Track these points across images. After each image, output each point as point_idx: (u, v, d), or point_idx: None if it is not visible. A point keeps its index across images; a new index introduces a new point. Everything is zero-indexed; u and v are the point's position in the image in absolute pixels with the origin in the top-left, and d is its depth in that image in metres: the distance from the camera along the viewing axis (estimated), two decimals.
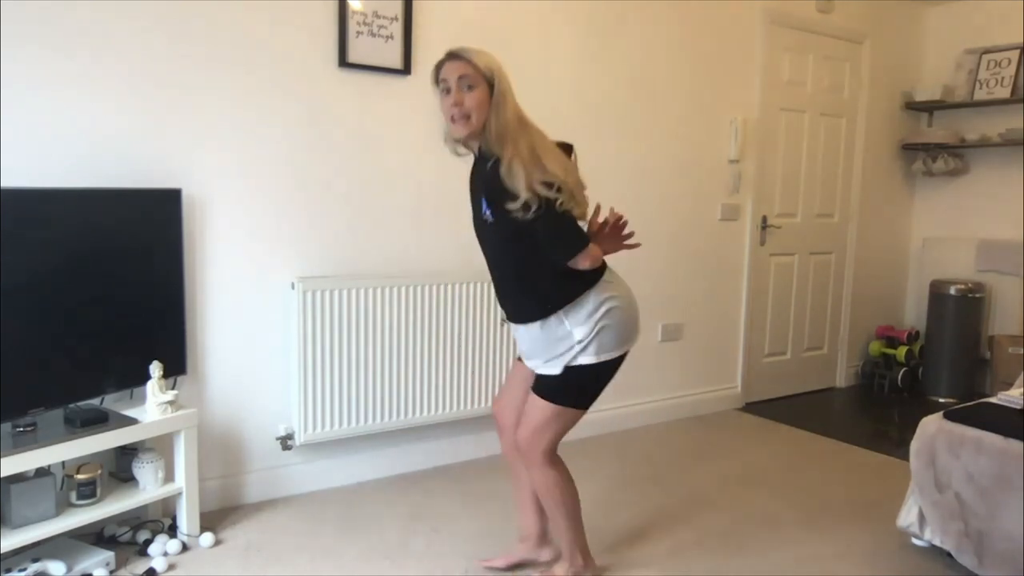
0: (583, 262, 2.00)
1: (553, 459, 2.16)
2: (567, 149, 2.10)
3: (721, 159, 4.10)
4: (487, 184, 1.96)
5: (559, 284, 2.04)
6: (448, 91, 1.98)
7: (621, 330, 2.09)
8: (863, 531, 2.75)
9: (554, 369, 2.08)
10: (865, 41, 4.65)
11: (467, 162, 2.21)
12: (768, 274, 4.41)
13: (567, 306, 2.04)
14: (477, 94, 1.95)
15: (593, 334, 2.04)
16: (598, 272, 2.08)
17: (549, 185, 1.89)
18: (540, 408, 2.10)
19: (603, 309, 2.05)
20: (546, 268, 2.03)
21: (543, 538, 2.40)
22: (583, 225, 2.07)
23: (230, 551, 2.49)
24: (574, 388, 2.10)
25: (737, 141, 4.08)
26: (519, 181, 1.88)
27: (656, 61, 3.77)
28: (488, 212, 2.00)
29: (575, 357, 2.05)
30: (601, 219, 2.20)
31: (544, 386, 2.10)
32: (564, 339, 2.05)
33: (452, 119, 1.98)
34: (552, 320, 2.05)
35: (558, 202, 1.91)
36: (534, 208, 1.89)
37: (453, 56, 1.99)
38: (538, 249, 2.00)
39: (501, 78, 1.98)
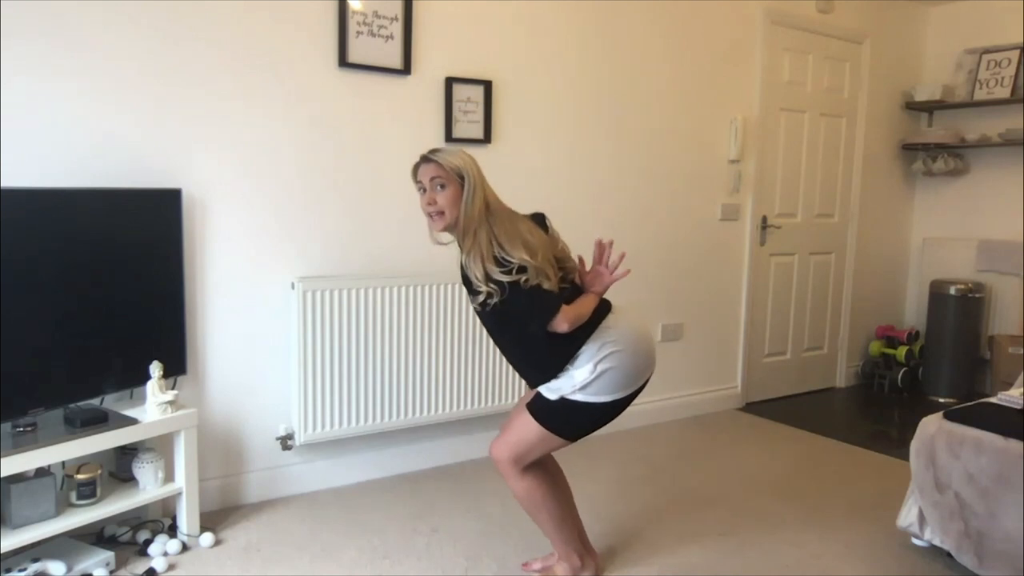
0: (561, 326, 2.04)
1: (525, 468, 2.18)
2: (540, 219, 2.21)
3: (721, 159, 4.10)
4: (463, 276, 2.07)
5: (554, 349, 2.10)
6: (424, 191, 2.11)
7: (624, 372, 2.11)
8: (863, 531, 2.75)
9: (552, 395, 2.12)
10: (865, 41, 4.65)
11: None
12: (768, 274, 4.41)
13: (567, 365, 2.10)
14: (449, 192, 2.07)
15: (594, 377, 2.07)
16: (591, 324, 2.11)
17: (508, 270, 1.98)
18: (528, 425, 2.14)
19: (603, 354, 2.08)
20: (538, 338, 2.08)
21: (588, 550, 2.38)
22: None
23: (230, 551, 2.49)
24: (565, 418, 2.13)
25: (737, 141, 4.08)
26: (478, 272, 1.99)
27: (656, 61, 3.77)
28: (471, 300, 2.09)
29: (572, 392, 2.09)
30: (589, 267, 2.27)
31: (539, 407, 2.14)
32: (566, 380, 2.10)
33: (429, 216, 2.11)
34: (563, 375, 2.11)
35: (522, 280, 1.99)
36: (497, 295, 1.98)
37: (426, 159, 2.11)
38: (515, 327, 2.11)
39: (470, 175, 2.08)
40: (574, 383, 2.08)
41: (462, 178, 2.07)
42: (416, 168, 2.14)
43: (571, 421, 2.14)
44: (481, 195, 2.08)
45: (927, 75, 5.02)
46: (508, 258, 1.98)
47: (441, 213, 2.08)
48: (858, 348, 5.00)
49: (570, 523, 2.29)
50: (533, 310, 2.04)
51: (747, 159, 4.18)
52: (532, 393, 2.23)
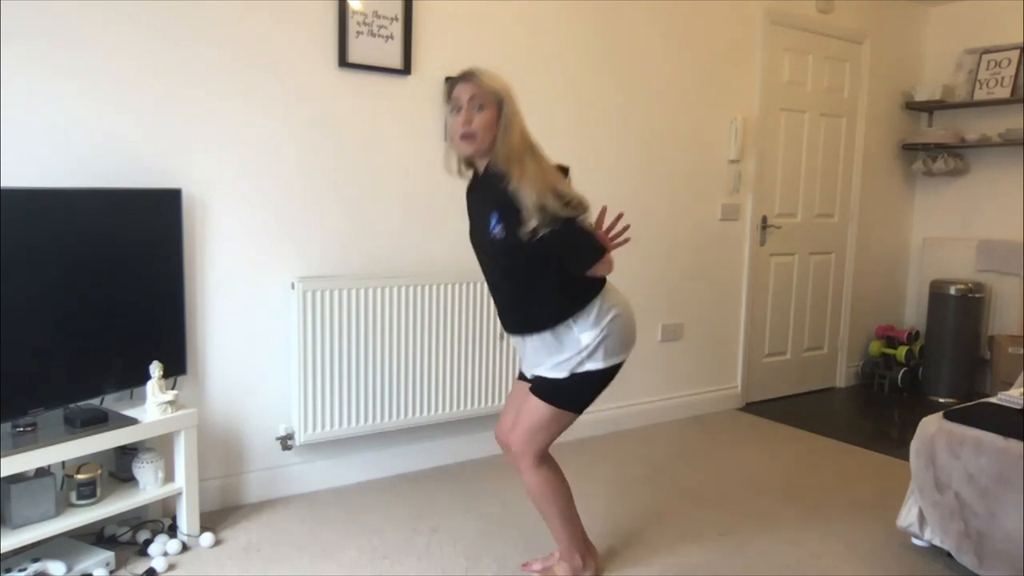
0: (601, 269, 2.08)
1: (543, 459, 2.18)
2: (564, 171, 2.15)
3: (721, 159, 4.10)
4: (499, 202, 2.00)
5: (570, 294, 2.09)
6: (458, 110, 2.03)
7: (623, 336, 2.13)
8: (863, 531, 2.75)
9: (560, 373, 2.10)
10: (865, 41, 4.65)
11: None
12: (768, 274, 4.41)
13: (577, 313, 2.08)
14: (486, 115, 2.00)
15: (599, 340, 2.08)
16: (603, 279, 2.13)
17: (566, 203, 1.95)
18: (539, 409, 2.12)
19: (608, 317, 2.09)
20: (554, 279, 2.06)
21: (590, 549, 2.37)
22: None
23: (230, 551, 2.49)
24: (575, 392, 2.13)
25: (737, 141, 4.08)
26: (530, 201, 1.93)
27: (656, 61, 3.77)
28: (498, 229, 2.03)
29: (581, 363, 2.09)
30: (607, 223, 2.22)
31: (546, 389, 2.13)
32: (571, 345, 2.09)
33: (460, 137, 2.02)
34: (561, 327, 2.09)
35: (580, 218, 1.99)
36: (546, 226, 1.94)
37: (466, 77, 2.04)
38: (545, 262, 2.04)
39: (510, 101, 2.04)
40: (580, 347, 2.07)
41: (500, 104, 2.02)
42: (452, 86, 2.05)
43: (580, 394, 2.14)
44: (519, 123, 2.03)
45: (927, 75, 5.02)
46: (565, 193, 1.96)
47: (473, 136, 2.00)
48: (858, 348, 5.00)
49: (575, 520, 2.29)
50: (582, 249, 2.04)
51: (747, 159, 4.18)
52: (521, 387, 2.24)
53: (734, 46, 4.06)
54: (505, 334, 2.26)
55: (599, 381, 2.13)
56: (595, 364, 2.09)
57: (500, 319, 2.25)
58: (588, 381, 2.11)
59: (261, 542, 2.55)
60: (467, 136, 2.01)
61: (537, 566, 2.41)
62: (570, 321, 2.08)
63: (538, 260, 2.04)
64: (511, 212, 1.97)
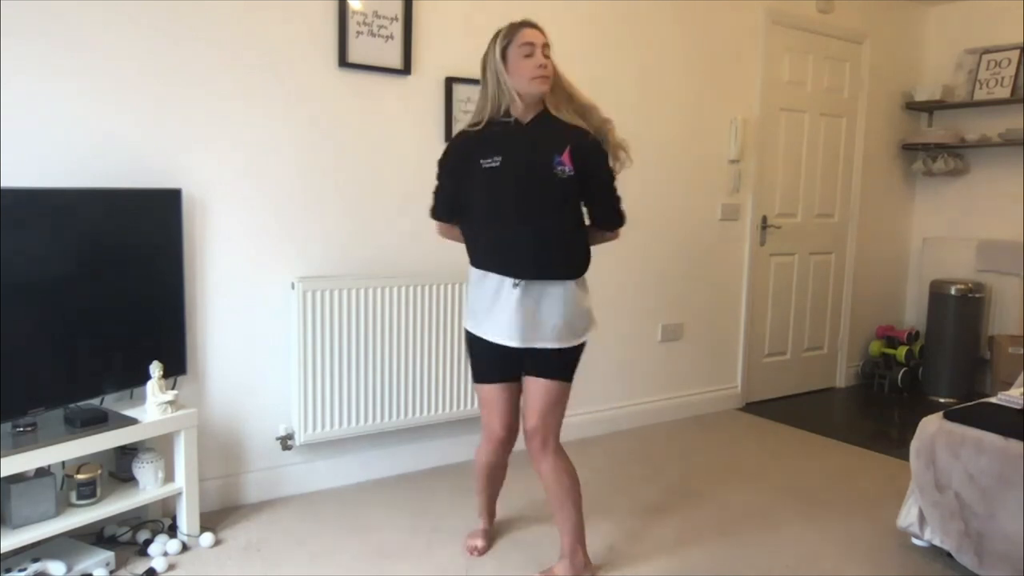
0: (613, 236, 2.34)
1: (560, 444, 2.28)
2: None
3: (721, 159, 4.10)
4: (575, 139, 2.14)
5: (587, 250, 2.25)
6: (531, 54, 2.12)
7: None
8: (863, 531, 2.75)
9: (572, 341, 2.20)
10: (865, 41, 4.65)
11: None
12: (768, 274, 4.41)
13: (582, 278, 2.23)
14: (552, 61, 2.16)
15: (591, 312, 2.28)
16: None
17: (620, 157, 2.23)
18: (555, 388, 2.21)
19: (587, 289, 2.29)
20: (584, 230, 2.26)
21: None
22: None
23: (230, 551, 2.49)
24: (575, 362, 2.27)
25: (737, 141, 4.08)
26: (616, 137, 2.20)
27: (656, 61, 3.77)
28: (567, 166, 2.13)
29: (586, 328, 2.24)
30: None
31: (556, 366, 2.21)
32: (582, 315, 2.22)
33: (537, 78, 2.11)
34: (577, 286, 2.21)
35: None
36: (614, 172, 2.22)
37: (531, 25, 2.16)
38: (585, 206, 2.25)
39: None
40: (588, 318, 2.24)
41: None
42: (516, 31, 2.15)
43: (575, 365, 2.28)
44: None
45: (927, 75, 5.02)
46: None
47: (548, 77, 2.13)
48: (858, 348, 5.00)
49: (582, 515, 2.33)
50: (618, 204, 2.30)
51: (747, 159, 4.18)
52: (503, 390, 2.26)
53: (734, 46, 4.06)
54: (519, 284, 2.14)
55: (581, 353, 2.29)
56: (590, 334, 2.27)
57: (522, 265, 2.14)
58: (580, 351, 2.27)
59: (261, 542, 2.55)
60: (545, 77, 2.12)
61: (479, 543, 2.49)
62: (583, 281, 2.23)
63: (582, 202, 2.22)
64: (586, 149, 2.14)
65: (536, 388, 2.21)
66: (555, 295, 2.15)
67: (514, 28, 2.15)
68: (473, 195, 2.20)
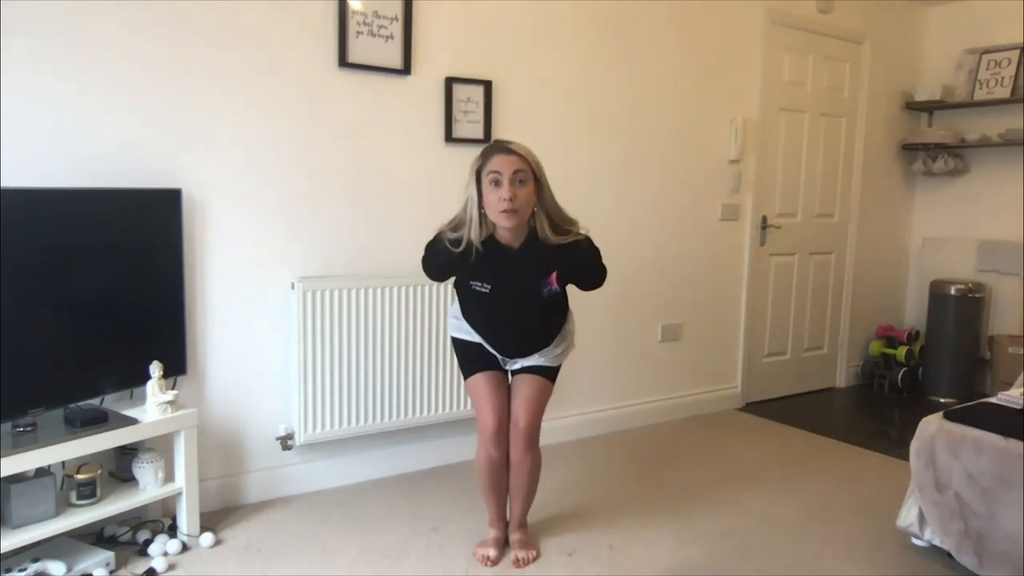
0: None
1: None
2: None
3: (721, 159, 4.10)
4: (561, 263, 2.18)
5: (566, 304, 2.39)
6: (498, 183, 2.05)
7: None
8: (863, 531, 2.75)
9: (556, 362, 2.40)
10: (865, 41, 4.65)
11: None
12: (768, 274, 4.41)
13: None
14: (528, 189, 2.08)
15: (572, 333, 2.44)
16: None
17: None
18: (547, 387, 2.38)
19: (571, 317, 2.45)
20: (567, 300, 2.37)
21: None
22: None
23: (230, 551, 2.49)
24: (559, 367, 2.45)
25: (737, 141, 4.08)
26: (598, 257, 2.23)
27: (656, 61, 3.77)
28: (555, 286, 2.22)
29: (567, 349, 2.42)
30: None
31: (548, 368, 2.38)
32: (568, 336, 2.41)
33: (503, 211, 2.06)
34: (561, 331, 2.40)
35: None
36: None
37: (505, 150, 2.08)
38: (566, 298, 2.35)
39: (540, 167, 2.13)
40: (570, 335, 2.42)
41: (536, 175, 2.10)
42: (489, 157, 2.08)
43: (559, 370, 2.45)
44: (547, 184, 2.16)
45: (927, 75, 5.02)
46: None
47: (516, 211, 2.06)
48: (858, 348, 5.00)
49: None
50: (601, 267, 2.28)
51: (747, 159, 4.18)
52: (495, 379, 2.36)
53: (734, 46, 4.06)
54: (507, 362, 2.39)
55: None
56: (572, 348, 2.46)
57: (508, 350, 2.36)
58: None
59: (261, 542, 2.55)
60: (511, 211, 2.05)
61: (492, 552, 2.48)
62: (569, 313, 2.41)
63: (593, 272, 2.27)
64: (571, 268, 2.20)
65: (526, 385, 2.35)
66: (538, 355, 2.37)
67: (488, 152, 2.11)
68: (461, 291, 2.33)
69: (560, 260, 2.18)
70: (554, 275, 2.19)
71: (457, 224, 2.16)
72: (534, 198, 2.10)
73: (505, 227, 2.11)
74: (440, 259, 2.20)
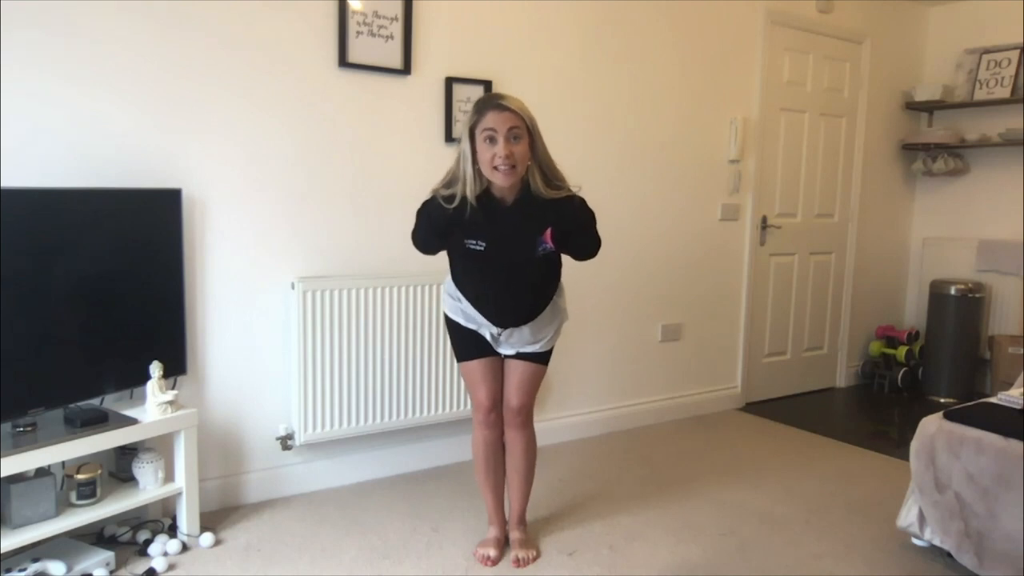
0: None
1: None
2: None
3: (721, 159, 4.10)
4: (557, 219, 2.12)
5: (559, 272, 2.36)
6: (492, 140, 2.05)
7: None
8: (863, 531, 2.75)
9: (549, 345, 2.39)
10: (865, 41, 4.65)
11: None
12: (768, 274, 4.41)
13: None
14: (523, 145, 2.07)
15: (564, 310, 2.42)
16: None
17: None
18: (540, 371, 2.40)
19: (562, 291, 2.41)
20: (560, 265, 2.33)
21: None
22: None
23: (230, 551, 2.49)
24: (552, 350, 2.45)
25: (737, 141, 4.08)
26: (590, 213, 2.17)
27: (656, 61, 3.77)
28: (548, 245, 2.16)
29: (560, 328, 2.40)
30: None
31: (545, 352, 2.40)
32: (559, 312, 2.39)
33: (499, 168, 2.05)
34: (556, 297, 2.37)
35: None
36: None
37: (499, 106, 2.06)
38: (559, 260, 2.31)
39: (534, 122, 2.11)
40: (562, 313, 2.39)
41: (530, 131, 2.09)
42: (483, 113, 2.05)
43: (551, 353, 2.44)
44: (543, 143, 2.14)
45: (927, 75, 5.02)
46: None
47: (514, 168, 2.05)
48: (858, 348, 5.00)
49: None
50: (595, 233, 2.24)
51: (747, 159, 4.18)
52: (490, 364, 2.36)
53: (734, 46, 4.06)
54: (500, 334, 2.33)
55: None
56: (565, 323, 2.43)
57: (503, 319, 2.29)
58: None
59: (261, 542, 2.55)
60: (508, 168, 2.04)
61: (492, 552, 2.46)
62: (560, 285, 2.38)
63: (588, 230, 2.22)
64: (565, 221, 2.13)
65: (519, 368, 2.38)
66: (535, 323, 2.32)
67: (481, 107, 2.08)
68: (455, 256, 2.30)
69: (555, 213, 2.13)
70: (549, 232, 2.13)
71: (450, 181, 2.15)
72: (529, 153, 2.09)
73: (503, 184, 2.10)
74: (435, 217, 2.15)
